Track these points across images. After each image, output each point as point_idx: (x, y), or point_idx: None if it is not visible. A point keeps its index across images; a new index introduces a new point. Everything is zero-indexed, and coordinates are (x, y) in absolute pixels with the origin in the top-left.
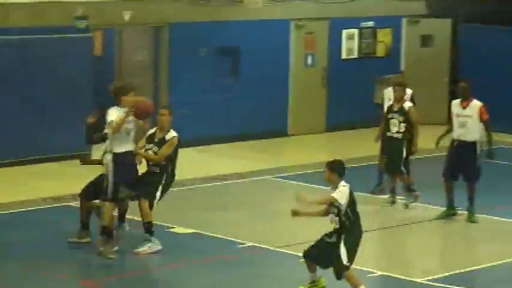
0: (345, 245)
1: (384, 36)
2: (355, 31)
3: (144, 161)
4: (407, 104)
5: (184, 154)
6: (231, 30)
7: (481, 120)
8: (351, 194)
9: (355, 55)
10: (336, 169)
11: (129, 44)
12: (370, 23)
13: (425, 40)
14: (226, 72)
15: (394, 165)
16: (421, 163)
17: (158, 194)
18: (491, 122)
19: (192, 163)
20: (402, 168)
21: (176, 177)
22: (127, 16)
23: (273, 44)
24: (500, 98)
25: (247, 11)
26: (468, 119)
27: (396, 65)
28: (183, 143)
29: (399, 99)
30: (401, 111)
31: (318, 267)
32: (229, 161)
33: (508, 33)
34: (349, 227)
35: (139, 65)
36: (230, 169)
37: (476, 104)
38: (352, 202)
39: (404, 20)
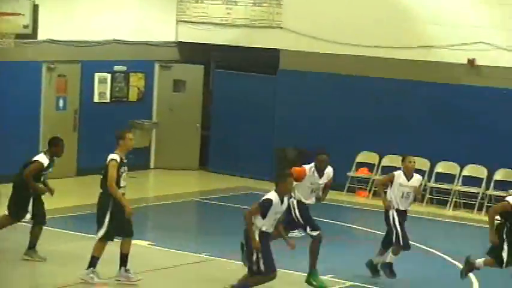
0: None
1: (137, 81)
2: (108, 75)
3: None
4: None
5: None
6: None
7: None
8: None
9: (107, 99)
10: None
11: None
12: (123, 67)
13: (178, 85)
14: None
15: None
16: None
17: None
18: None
19: None
20: None
21: None
22: None
23: (24, 86)
24: (250, 141)
25: None
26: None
27: (149, 110)
28: None
29: None
30: None
31: None
32: None
33: (255, 79)
34: None
35: None
36: None
37: None
38: None
39: (157, 65)
